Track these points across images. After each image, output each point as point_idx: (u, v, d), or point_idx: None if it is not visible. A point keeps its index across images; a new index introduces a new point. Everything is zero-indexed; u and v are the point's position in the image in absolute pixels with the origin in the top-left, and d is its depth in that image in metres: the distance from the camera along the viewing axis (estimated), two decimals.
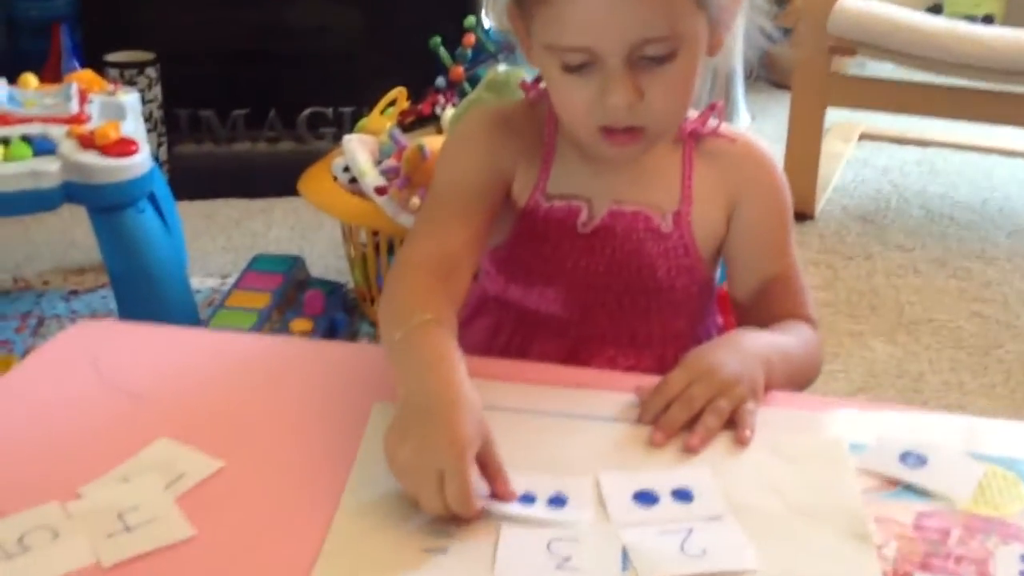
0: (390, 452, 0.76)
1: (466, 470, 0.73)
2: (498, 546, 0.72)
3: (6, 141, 1.85)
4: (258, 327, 1.99)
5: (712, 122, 1.02)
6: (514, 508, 0.75)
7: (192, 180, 2.76)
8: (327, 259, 2.46)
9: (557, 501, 0.76)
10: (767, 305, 1.03)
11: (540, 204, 1.00)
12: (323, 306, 2.13)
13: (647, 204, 1.00)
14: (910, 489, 0.79)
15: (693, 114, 1.02)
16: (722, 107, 1.03)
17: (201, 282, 2.31)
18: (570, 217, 1.00)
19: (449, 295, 0.92)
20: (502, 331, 1.06)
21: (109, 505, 0.75)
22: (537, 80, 1.03)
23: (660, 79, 0.90)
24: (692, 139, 1.02)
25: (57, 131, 1.89)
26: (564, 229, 1.00)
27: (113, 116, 1.99)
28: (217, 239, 2.57)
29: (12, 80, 2.10)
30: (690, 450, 0.82)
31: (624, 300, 1.02)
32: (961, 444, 0.84)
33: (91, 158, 1.84)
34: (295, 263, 2.25)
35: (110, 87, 2.15)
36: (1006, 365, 2.09)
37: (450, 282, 0.94)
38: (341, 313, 2.16)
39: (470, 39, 2.18)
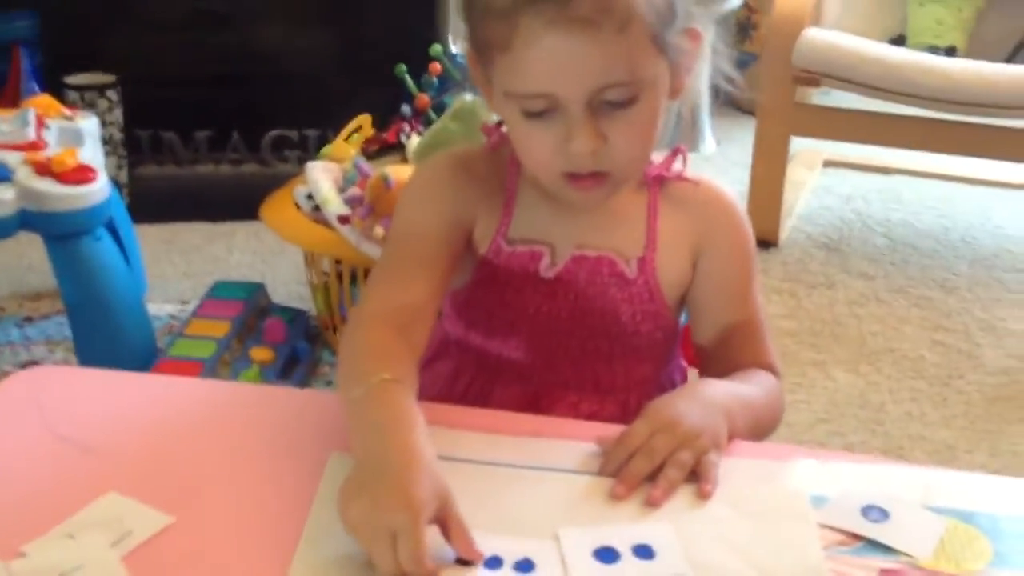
0: (343, 508, 0.75)
1: (420, 531, 0.72)
2: None
3: None
4: (217, 356, 1.97)
5: (676, 166, 1.02)
6: (481, 574, 0.73)
7: (153, 203, 2.73)
8: (289, 285, 2.43)
9: (525, 566, 0.74)
10: (729, 352, 1.03)
11: (502, 248, 0.99)
12: (285, 334, 2.11)
13: (611, 249, 1.00)
14: (872, 544, 0.78)
15: (657, 158, 1.01)
16: (686, 151, 1.03)
17: (159, 308, 2.27)
18: (532, 262, 0.99)
19: (410, 347, 0.91)
20: (463, 375, 1.05)
21: (52, 565, 0.73)
22: (499, 124, 1.02)
23: (622, 123, 0.90)
24: (656, 183, 1.01)
25: (13, 158, 1.86)
26: (526, 275, 0.99)
27: (71, 142, 1.96)
28: (177, 264, 2.54)
29: None
30: (652, 503, 0.81)
31: (588, 345, 1.01)
32: (923, 496, 0.84)
33: (48, 185, 1.81)
34: (256, 290, 2.23)
35: (68, 112, 2.12)
36: (966, 396, 2.10)
37: (410, 333, 0.92)
38: (303, 342, 2.14)
39: (436, 67, 2.18)
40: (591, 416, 0.99)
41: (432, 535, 0.73)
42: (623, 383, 1.04)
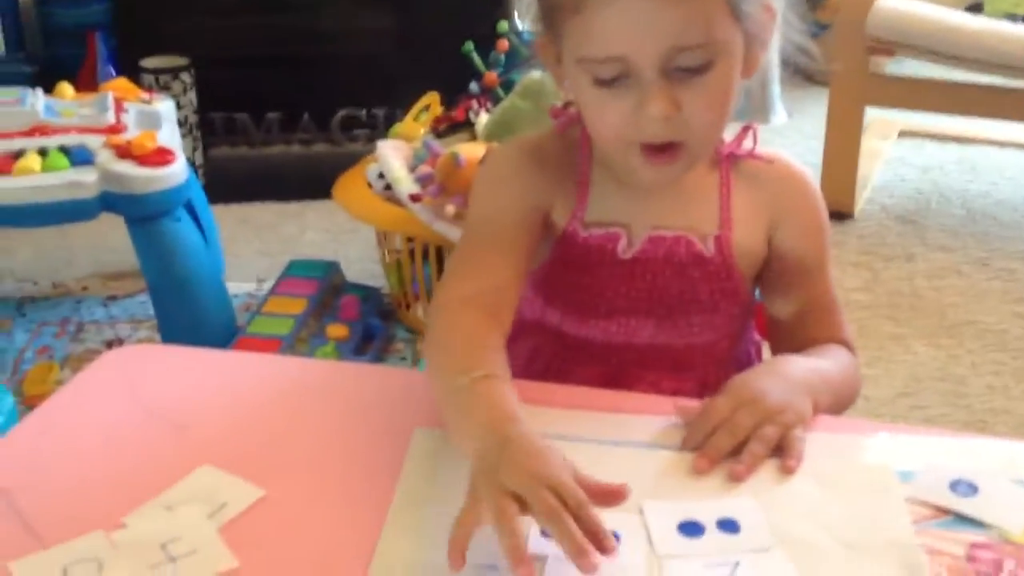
0: (484, 489, 0.74)
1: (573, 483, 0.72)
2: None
3: (44, 152, 1.87)
4: (295, 333, 2.00)
5: (747, 143, 1.01)
6: None
7: (227, 183, 2.77)
8: (362, 263, 2.46)
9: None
10: (804, 328, 1.02)
11: (578, 232, 0.99)
12: (359, 312, 2.13)
13: (687, 228, 0.99)
14: (961, 519, 0.77)
15: (728, 135, 1.00)
16: (756, 128, 1.02)
17: (237, 287, 2.31)
18: (609, 244, 0.99)
19: (501, 332, 0.91)
20: (541, 355, 1.05)
21: (153, 536, 0.75)
22: (566, 106, 1.01)
23: (697, 91, 0.88)
24: (729, 161, 1.01)
25: (94, 141, 1.90)
26: (603, 256, 0.99)
27: (149, 125, 2.00)
28: (252, 243, 2.58)
29: (48, 89, 2.12)
30: (736, 478, 0.81)
31: (666, 325, 1.01)
32: (1011, 470, 0.82)
33: (128, 168, 1.85)
34: (330, 268, 2.25)
35: (145, 95, 2.16)
36: None
37: (499, 316, 0.92)
38: (376, 319, 2.16)
39: (503, 44, 2.18)
40: (671, 395, 0.99)
41: None
42: (701, 361, 1.03)
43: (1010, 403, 1.96)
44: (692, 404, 0.87)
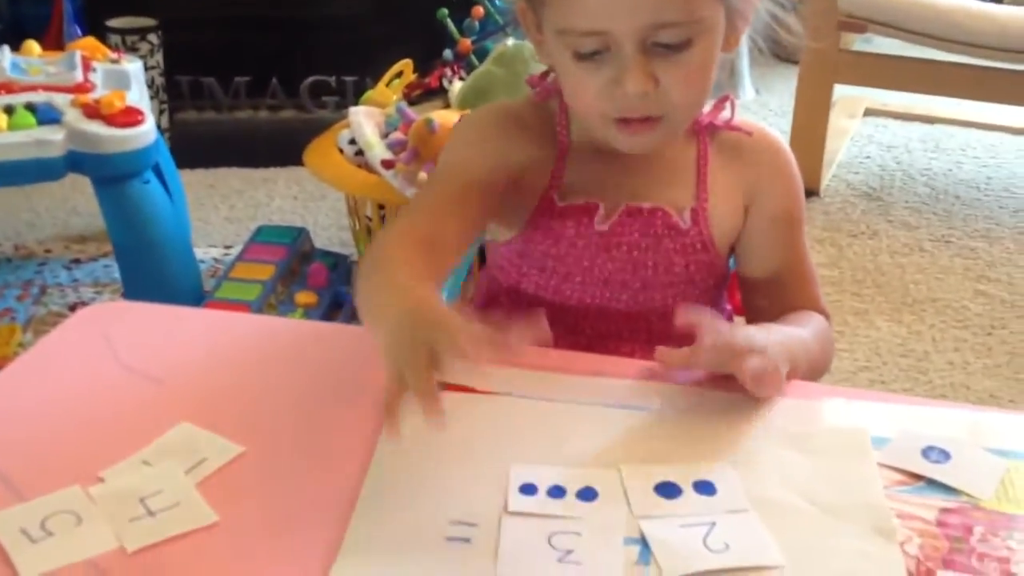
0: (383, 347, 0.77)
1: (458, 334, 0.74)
2: (499, 539, 0.71)
3: (10, 109, 1.84)
4: (263, 299, 1.99)
5: (725, 114, 1.01)
6: (544, 502, 0.75)
7: (194, 148, 2.75)
8: (331, 230, 2.45)
9: (587, 494, 0.76)
10: (781, 296, 1.03)
11: (555, 201, 1.00)
12: (328, 279, 2.13)
13: (664, 201, 1.00)
14: (932, 484, 0.79)
15: (707, 106, 1.01)
16: (734, 99, 1.03)
17: (204, 252, 2.30)
18: (586, 215, 0.99)
19: (435, 270, 0.90)
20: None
21: (131, 490, 0.75)
22: (544, 75, 1.02)
23: (676, 67, 0.89)
24: (707, 132, 1.01)
25: (61, 100, 1.87)
26: (580, 227, 1.00)
27: (117, 85, 1.97)
28: (219, 209, 2.56)
29: (15, 47, 2.08)
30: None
31: (641, 297, 1.02)
32: (981, 438, 0.84)
33: (97, 127, 1.83)
34: (299, 235, 2.24)
35: (113, 55, 2.13)
36: (1010, 345, 2.09)
37: (433, 258, 0.90)
38: (345, 286, 2.15)
39: (478, 11, 2.17)
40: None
41: None
42: (678, 333, 1.04)
43: (970, 378, 1.99)
44: (674, 350, 0.88)
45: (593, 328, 1.03)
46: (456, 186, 0.97)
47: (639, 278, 1.01)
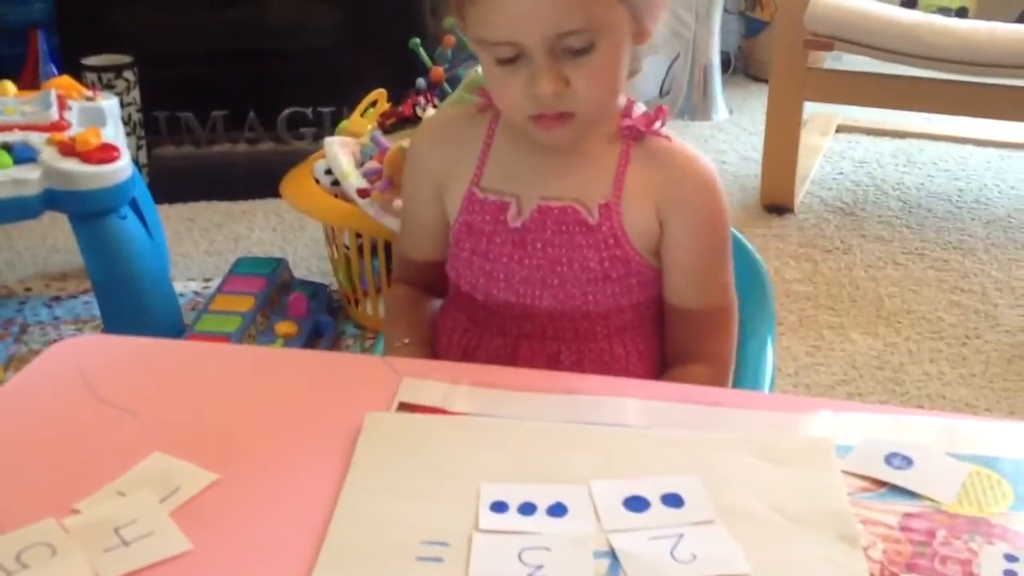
0: None
1: None
2: (470, 557, 0.72)
3: None
4: (243, 330, 2.00)
5: (657, 123, 1.04)
6: (515, 519, 0.76)
7: (172, 183, 2.76)
8: (310, 261, 2.46)
9: (557, 510, 0.77)
10: (684, 330, 1.07)
11: (475, 196, 1.05)
12: (307, 308, 2.14)
13: (576, 199, 1.03)
14: (896, 490, 0.80)
15: (640, 109, 1.04)
16: (666, 113, 1.06)
17: (184, 286, 2.31)
18: (501, 211, 1.04)
19: (428, 298, 1.14)
20: (457, 329, 1.10)
21: (106, 520, 0.75)
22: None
23: (584, 68, 0.96)
24: (631, 136, 1.03)
25: (37, 139, 1.88)
26: (497, 223, 1.05)
27: (93, 122, 1.99)
28: (199, 242, 2.57)
29: None
30: None
31: (561, 294, 1.04)
32: (944, 444, 0.85)
33: (72, 165, 1.84)
34: (278, 265, 2.25)
35: (89, 93, 2.15)
36: (985, 355, 2.11)
37: (428, 286, 1.13)
38: (325, 315, 2.16)
39: (450, 40, 2.19)
40: (570, 367, 1.04)
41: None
42: (603, 331, 1.06)
43: (945, 388, 2.01)
44: (635, 389, 0.89)
45: (520, 328, 1.06)
46: (417, 212, 1.12)
47: (556, 275, 1.04)
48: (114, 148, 1.88)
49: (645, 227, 1.03)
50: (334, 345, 2.14)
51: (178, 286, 2.21)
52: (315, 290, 2.23)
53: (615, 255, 1.03)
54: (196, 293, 2.30)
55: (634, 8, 0.97)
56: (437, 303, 1.15)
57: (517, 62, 0.95)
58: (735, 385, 1.13)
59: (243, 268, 2.23)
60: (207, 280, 2.36)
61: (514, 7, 0.93)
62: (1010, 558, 0.73)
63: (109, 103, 2.11)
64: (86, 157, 1.84)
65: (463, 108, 1.11)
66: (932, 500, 0.79)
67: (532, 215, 1.03)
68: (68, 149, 1.85)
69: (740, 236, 1.23)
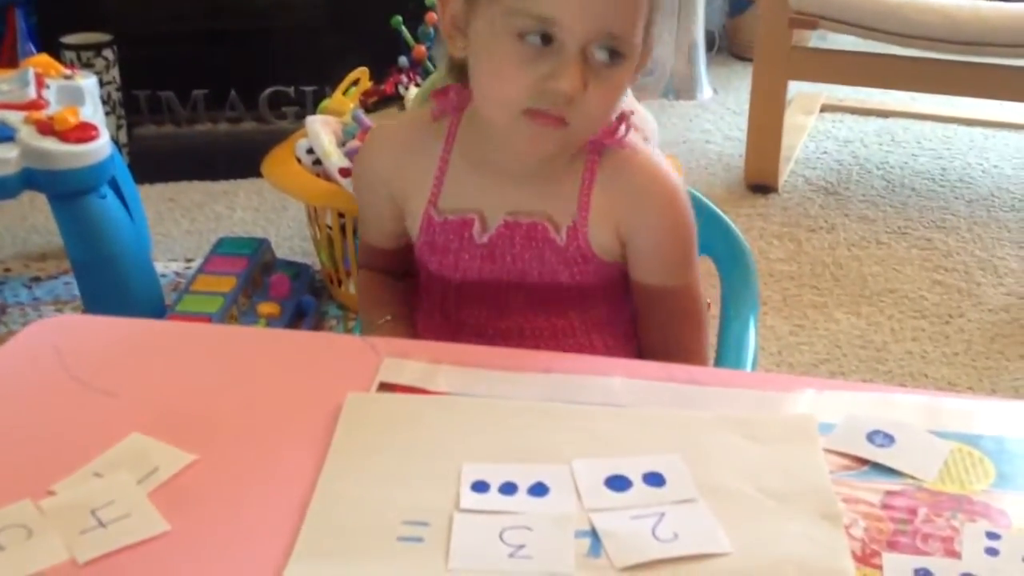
0: None
1: None
2: (451, 536, 0.72)
3: None
4: (224, 311, 1.98)
5: (620, 132, 1.01)
6: (496, 499, 0.75)
7: (153, 163, 2.74)
8: (292, 241, 2.45)
9: (538, 490, 0.76)
10: (656, 331, 1.07)
11: (433, 219, 1.03)
12: (290, 289, 2.13)
13: (543, 215, 1.01)
14: (878, 468, 0.80)
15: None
16: (630, 119, 1.02)
17: (165, 266, 2.29)
18: (465, 228, 1.02)
19: (397, 280, 1.13)
20: (429, 330, 1.08)
21: (82, 502, 0.75)
22: (444, 91, 1.03)
23: (602, 81, 0.92)
24: (596, 151, 1.01)
25: (15, 117, 1.86)
26: (461, 241, 1.03)
27: (71, 101, 1.97)
28: (180, 222, 2.55)
29: None
30: None
31: (534, 299, 1.04)
32: (927, 422, 0.85)
33: (50, 144, 1.82)
34: (260, 245, 2.24)
35: (67, 71, 2.13)
36: (967, 334, 2.12)
37: (393, 272, 1.13)
38: (308, 296, 2.15)
39: (432, 17, 2.17)
40: (568, 347, 1.03)
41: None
42: (582, 327, 1.06)
43: (928, 367, 2.02)
44: (620, 368, 0.88)
45: (495, 328, 1.05)
46: (374, 204, 1.10)
47: (527, 284, 1.03)
48: (93, 127, 1.86)
49: (608, 245, 1.02)
50: (317, 325, 2.13)
51: (159, 266, 2.19)
52: (297, 270, 2.22)
53: (585, 269, 1.02)
54: (177, 274, 2.29)
55: (648, 39, 0.95)
56: (406, 285, 1.13)
57: (540, 48, 0.90)
58: (717, 366, 1.12)
59: (225, 248, 2.22)
60: (188, 260, 2.34)
61: None
62: (991, 535, 0.73)
63: (88, 82, 2.09)
64: (64, 136, 1.82)
65: (416, 115, 1.08)
66: (914, 478, 0.79)
67: (499, 230, 1.01)
68: (46, 128, 1.83)
69: (724, 217, 1.23)
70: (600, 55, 0.91)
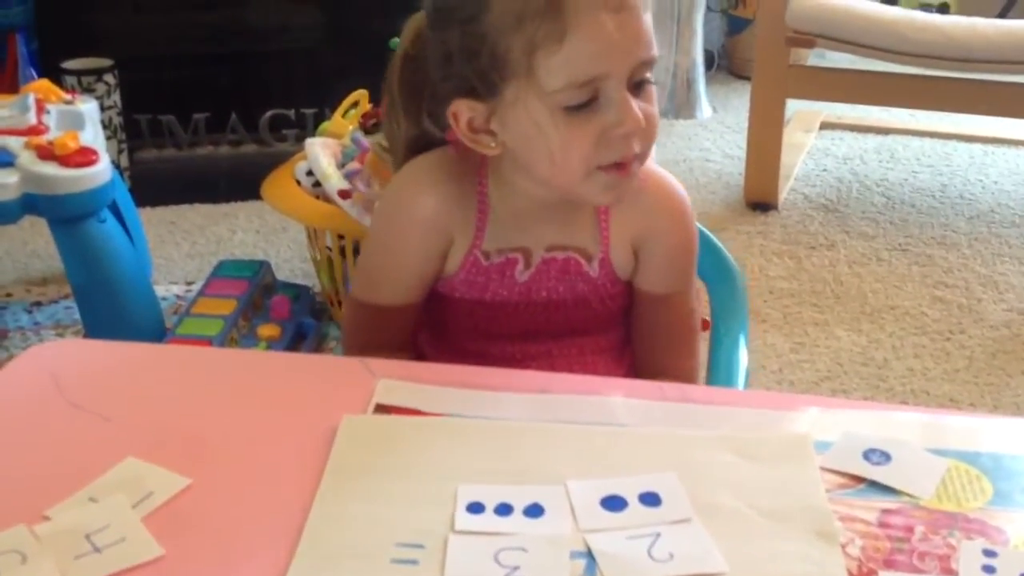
0: None
1: None
2: (446, 558, 0.72)
3: None
4: (225, 333, 1.98)
5: None
6: (492, 520, 0.75)
7: (154, 186, 2.75)
8: (293, 263, 2.45)
9: (534, 511, 0.76)
10: (652, 346, 1.09)
11: (479, 262, 1.03)
12: (290, 311, 2.13)
13: (575, 249, 1.03)
14: (874, 486, 0.80)
15: None
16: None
17: (166, 289, 2.29)
18: (508, 268, 1.03)
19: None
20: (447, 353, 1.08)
21: (77, 526, 0.75)
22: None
23: (646, 98, 0.93)
24: None
25: (15, 143, 1.87)
26: (503, 279, 1.03)
27: (71, 126, 1.97)
28: (181, 245, 2.56)
29: None
30: None
31: (565, 326, 1.06)
32: (924, 439, 0.85)
33: (51, 169, 1.82)
34: (261, 268, 2.24)
35: (67, 96, 2.13)
36: (968, 350, 2.12)
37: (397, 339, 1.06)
38: (308, 318, 2.15)
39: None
40: (595, 367, 1.04)
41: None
42: (615, 344, 1.09)
43: (929, 384, 2.01)
44: (617, 387, 0.89)
45: (524, 352, 1.06)
46: (397, 285, 1.04)
47: (562, 312, 1.05)
48: (93, 152, 1.87)
49: (627, 264, 1.05)
50: (318, 347, 2.13)
51: (160, 290, 2.19)
52: (298, 292, 2.22)
53: (612, 292, 1.06)
54: (178, 296, 2.29)
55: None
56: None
57: (590, 107, 0.90)
58: (709, 385, 1.13)
59: (225, 271, 2.22)
60: (189, 283, 2.34)
61: (607, 34, 0.88)
62: (989, 553, 0.73)
63: (88, 106, 2.10)
64: (64, 161, 1.83)
65: (440, 153, 1.02)
66: (911, 496, 0.79)
67: (538, 267, 1.03)
68: (46, 153, 1.84)
69: (712, 236, 1.23)
70: (635, 88, 0.92)
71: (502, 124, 0.95)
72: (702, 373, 1.14)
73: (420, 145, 1.02)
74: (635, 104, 0.91)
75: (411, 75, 1.00)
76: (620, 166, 0.93)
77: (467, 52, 0.92)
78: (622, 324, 1.09)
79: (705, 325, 1.14)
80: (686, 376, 1.08)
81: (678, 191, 1.05)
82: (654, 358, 1.08)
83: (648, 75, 0.93)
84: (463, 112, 0.95)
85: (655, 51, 0.92)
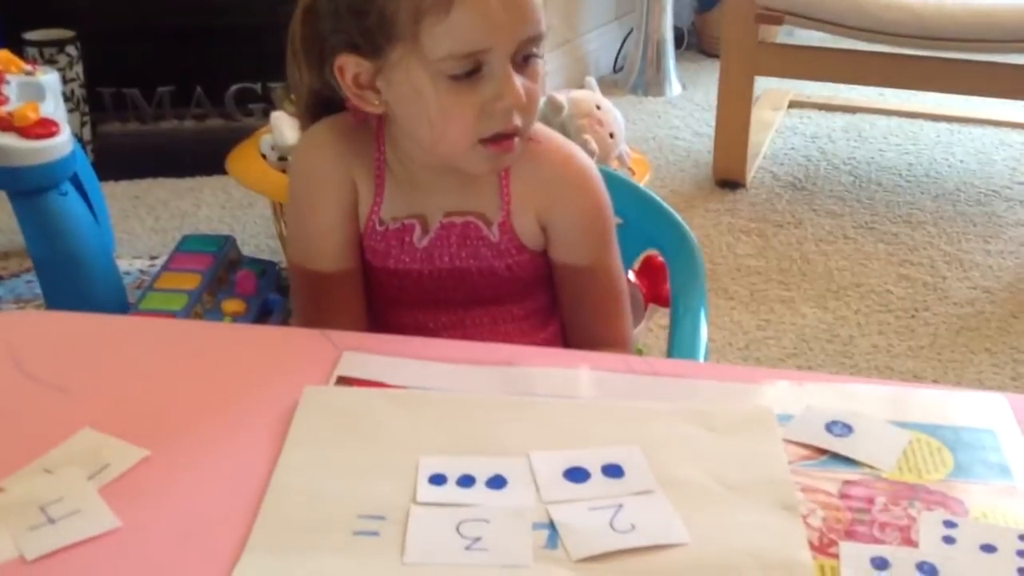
0: None
1: None
2: (407, 530, 0.71)
3: None
4: (189, 308, 1.96)
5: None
6: (454, 491, 0.75)
7: (118, 160, 2.71)
8: (259, 238, 2.43)
9: (497, 482, 0.76)
10: (580, 318, 1.08)
11: (376, 228, 1.03)
12: (256, 286, 2.10)
13: (475, 213, 1.03)
14: (836, 458, 0.80)
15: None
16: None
17: (130, 264, 2.27)
18: (406, 234, 1.03)
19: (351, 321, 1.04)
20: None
21: (31, 498, 0.73)
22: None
23: (531, 75, 0.95)
24: None
25: None
26: (402, 246, 1.04)
27: (32, 97, 1.94)
28: (145, 220, 2.53)
29: None
30: None
31: (473, 294, 1.05)
32: (887, 412, 0.85)
33: (10, 140, 1.80)
34: (226, 243, 2.21)
35: (28, 67, 2.10)
36: (932, 327, 2.13)
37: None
38: (274, 293, 2.13)
39: None
40: (510, 336, 1.05)
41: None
42: (532, 312, 1.08)
43: (894, 361, 2.03)
44: (582, 360, 0.88)
45: (436, 322, 1.06)
46: (323, 252, 1.04)
47: (468, 279, 1.04)
48: (53, 123, 1.84)
49: (532, 233, 1.05)
50: (283, 323, 2.11)
51: (123, 264, 2.17)
52: (264, 268, 2.20)
53: (518, 260, 1.05)
54: (142, 271, 2.26)
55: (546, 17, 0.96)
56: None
57: (474, 79, 0.92)
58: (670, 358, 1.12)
59: (189, 245, 2.19)
60: (153, 258, 2.32)
61: (492, 11, 0.90)
62: (948, 524, 0.73)
63: (48, 78, 2.07)
64: (24, 132, 1.80)
65: (340, 119, 1.03)
66: (872, 467, 0.79)
67: (437, 232, 1.03)
68: (5, 124, 1.81)
69: (668, 208, 1.23)
70: (521, 62, 0.94)
71: (387, 83, 0.96)
72: (662, 346, 1.14)
73: (323, 98, 1.03)
74: (517, 79, 0.92)
75: (311, 28, 1.01)
76: (501, 142, 0.95)
77: (355, 10, 0.94)
78: (542, 292, 1.08)
79: (665, 300, 1.14)
80: (621, 343, 1.08)
81: (578, 158, 1.05)
82: (585, 328, 1.08)
83: (535, 50, 0.94)
84: (349, 67, 0.97)
85: (543, 27, 0.93)
